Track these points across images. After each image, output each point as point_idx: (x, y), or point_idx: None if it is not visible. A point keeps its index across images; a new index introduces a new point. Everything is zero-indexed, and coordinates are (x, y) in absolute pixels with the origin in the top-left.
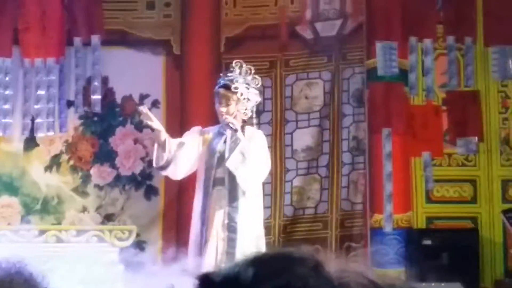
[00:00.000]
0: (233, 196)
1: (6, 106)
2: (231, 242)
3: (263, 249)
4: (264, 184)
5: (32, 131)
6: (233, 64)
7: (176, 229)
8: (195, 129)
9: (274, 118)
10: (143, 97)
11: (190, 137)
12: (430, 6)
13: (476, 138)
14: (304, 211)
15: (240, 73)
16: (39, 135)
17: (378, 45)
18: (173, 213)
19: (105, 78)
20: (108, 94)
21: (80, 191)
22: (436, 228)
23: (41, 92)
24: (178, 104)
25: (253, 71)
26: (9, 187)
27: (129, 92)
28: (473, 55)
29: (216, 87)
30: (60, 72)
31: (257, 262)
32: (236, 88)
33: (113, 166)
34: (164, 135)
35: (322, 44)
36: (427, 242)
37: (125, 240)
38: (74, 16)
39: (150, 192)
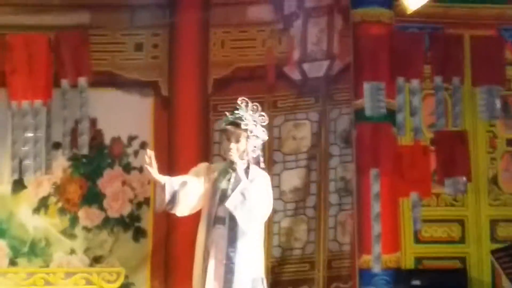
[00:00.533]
0: (232, 236)
1: None
2: (227, 283)
3: None
4: None
5: (20, 173)
6: (239, 102)
7: (164, 271)
8: (202, 166)
9: (264, 159)
10: (131, 139)
11: (195, 173)
12: (417, 47)
13: (464, 178)
14: (291, 252)
15: (246, 111)
16: (27, 177)
17: (366, 86)
18: (161, 255)
19: (93, 120)
20: (96, 135)
21: (68, 233)
22: (425, 268)
23: (29, 134)
24: (166, 144)
25: (259, 109)
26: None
27: (117, 133)
28: (460, 95)
29: (224, 124)
30: (47, 114)
31: None
32: (246, 125)
33: (101, 208)
34: (163, 180)
35: (309, 85)
36: (416, 282)
37: (113, 282)
38: (61, 58)
39: (139, 233)
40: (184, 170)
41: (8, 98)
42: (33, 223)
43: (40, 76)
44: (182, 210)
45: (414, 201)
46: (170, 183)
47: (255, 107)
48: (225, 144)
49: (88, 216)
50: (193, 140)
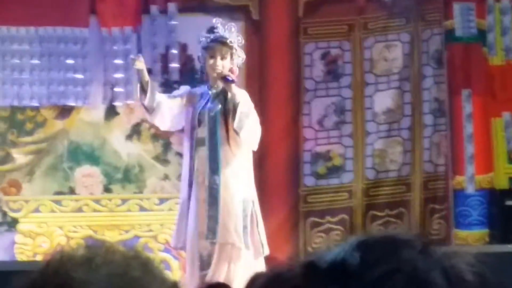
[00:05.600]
0: (213, 157)
1: (84, 76)
2: (212, 205)
3: (254, 213)
4: (346, 147)
5: (111, 100)
6: (215, 22)
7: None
8: (183, 88)
9: (354, 81)
10: None
11: (177, 93)
12: None
13: None
14: (386, 174)
15: (224, 31)
16: (119, 104)
17: (456, 6)
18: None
19: (184, 46)
20: (187, 61)
21: (161, 159)
22: None
23: (119, 61)
24: (257, 69)
25: (235, 29)
26: (90, 157)
27: None
28: None
29: (206, 41)
30: (138, 41)
31: (362, 246)
32: (231, 42)
33: None
34: (147, 76)
35: (400, 5)
36: (510, 202)
37: None
38: None
39: None
40: (276, 94)
41: (98, 25)
42: (126, 149)
43: (129, 2)
44: (164, 122)
45: (506, 121)
46: (153, 84)
47: (232, 28)
48: (208, 62)
49: (180, 142)
50: (284, 64)
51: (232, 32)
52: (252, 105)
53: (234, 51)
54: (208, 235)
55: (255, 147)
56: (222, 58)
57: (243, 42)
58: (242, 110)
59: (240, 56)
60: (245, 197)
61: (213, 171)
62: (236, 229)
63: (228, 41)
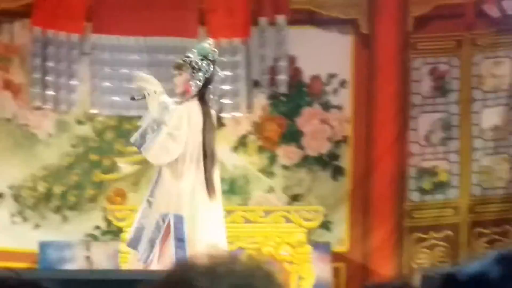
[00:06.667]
0: (159, 170)
1: None
2: (142, 219)
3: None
4: (452, 163)
5: (218, 111)
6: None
7: (363, 210)
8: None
9: (461, 97)
10: (331, 77)
11: None
12: None
13: None
14: (494, 191)
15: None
16: (225, 115)
17: None
18: (360, 194)
19: (292, 58)
20: (295, 74)
21: (267, 171)
22: None
23: (227, 72)
24: (365, 83)
25: (211, 43)
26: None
27: (316, 71)
28: None
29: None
30: (246, 53)
31: (503, 260)
32: (188, 57)
33: (300, 146)
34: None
35: (509, 22)
36: None
37: (312, 221)
38: None
39: (337, 172)
40: (383, 108)
41: (206, 36)
42: (232, 161)
43: (238, 14)
44: None
45: None
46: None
47: (209, 42)
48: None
49: (286, 154)
50: (392, 78)
51: (194, 52)
52: (176, 118)
53: (192, 65)
54: None
55: (158, 162)
56: (179, 74)
57: (216, 56)
58: (143, 125)
59: (202, 70)
60: (164, 211)
61: (153, 184)
62: None
63: (184, 56)
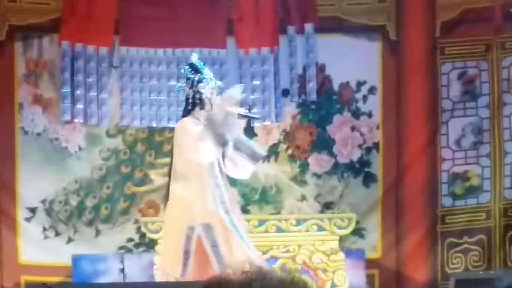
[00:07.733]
0: None
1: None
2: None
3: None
4: (483, 167)
5: (249, 121)
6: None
7: (395, 215)
8: None
9: (492, 101)
10: (360, 84)
11: None
12: None
13: None
14: None
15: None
16: (256, 125)
17: None
18: (392, 200)
19: (321, 66)
20: (325, 81)
21: (299, 180)
22: None
23: (256, 82)
24: (394, 90)
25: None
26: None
27: (346, 79)
28: None
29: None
30: (275, 62)
31: None
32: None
33: (331, 154)
34: None
35: None
36: None
37: (345, 228)
38: (287, 4)
39: (369, 179)
40: (413, 114)
41: (235, 46)
42: (263, 170)
43: (266, 24)
44: None
45: None
46: None
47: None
48: None
49: (318, 162)
50: (421, 84)
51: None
52: (179, 137)
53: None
54: None
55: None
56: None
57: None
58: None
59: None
60: (190, 224)
61: None
62: None
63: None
